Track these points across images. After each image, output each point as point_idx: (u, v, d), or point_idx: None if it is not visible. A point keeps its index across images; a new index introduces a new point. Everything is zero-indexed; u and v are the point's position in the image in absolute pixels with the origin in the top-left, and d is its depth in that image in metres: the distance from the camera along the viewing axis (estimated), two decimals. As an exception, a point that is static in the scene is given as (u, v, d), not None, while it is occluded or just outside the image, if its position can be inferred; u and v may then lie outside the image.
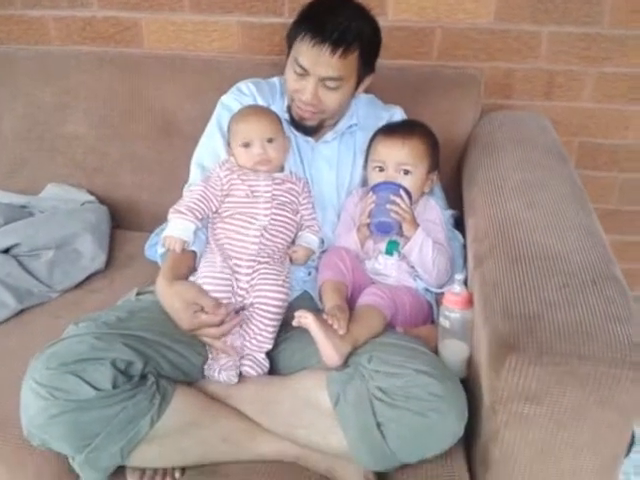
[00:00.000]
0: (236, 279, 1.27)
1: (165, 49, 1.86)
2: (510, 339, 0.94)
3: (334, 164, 1.51)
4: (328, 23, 1.30)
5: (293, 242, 1.39)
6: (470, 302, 1.17)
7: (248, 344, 1.24)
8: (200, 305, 1.19)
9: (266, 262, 1.29)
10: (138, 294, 1.34)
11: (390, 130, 1.43)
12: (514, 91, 1.81)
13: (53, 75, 1.80)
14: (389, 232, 1.35)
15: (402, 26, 1.76)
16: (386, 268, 1.39)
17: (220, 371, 1.18)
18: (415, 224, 1.35)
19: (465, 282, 1.23)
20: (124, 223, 1.80)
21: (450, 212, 1.53)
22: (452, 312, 1.18)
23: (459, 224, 1.52)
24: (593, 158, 1.91)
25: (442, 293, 1.28)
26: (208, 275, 1.24)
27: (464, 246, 1.44)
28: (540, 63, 1.77)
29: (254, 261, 1.28)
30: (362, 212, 1.39)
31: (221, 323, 1.19)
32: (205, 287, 1.22)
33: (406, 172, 1.39)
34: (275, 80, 1.58)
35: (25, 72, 1.82)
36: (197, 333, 1.21)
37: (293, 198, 1.37)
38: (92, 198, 1.74)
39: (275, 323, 1.26)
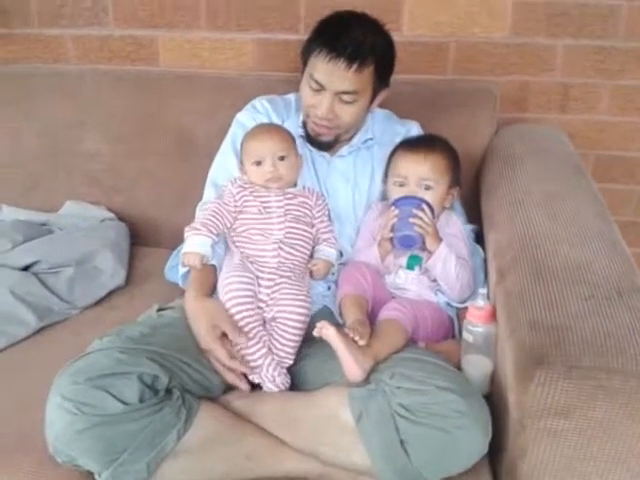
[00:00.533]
0: (258, 290, 1.27)
1: (181, 67, 1.88)
2: (538, 353, 0.93)
3: (350, 179, 1.51)
4: (343, 38, 1.32)
5: (311, 256, 1.39)
6: (493, 316, 1.16)
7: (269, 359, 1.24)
8: (222, 329, 1.20)
9: (287, 277, 1.29)
10: (159, 310, 1.34)
11: (411, 145, 1.43)
12: (530, 104, 1.80)
13: (70, 93, 1.82)
14: (412, 246, 1.34)
15: (417, 41, 1.76)
16: (407, 282, 1.38)
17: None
18: (438, 238, 1.34)
19: (487, 296, 1.22)
20: (141, 239, 1.80)
21: (471, 227, 1.52)
22: (475, 326, 1.17)
23: (479, 239, 1.51)
24: (609, 170, 1.90)
25: (464, 308, 1.28)
26: (231, 281, 1.25)
27: (484, 260, 1.43)
28: (556, 76, 1.77)
29: (275, 274, 1.28)
30: (384, 226, 1.38)
31: (231, 357, 1.20)
32: (228, 295, 1.23)
33: (427, 187, 1.38)
34: (290, 96, 1.59)
35: (43, 90, 1.83)
36: (207, 354, 1.22)
37: (306, 211, 1.38)
38: (111, 215, 1.75)
39: (297, 338, 1.26)
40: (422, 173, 1.38)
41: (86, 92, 1.81)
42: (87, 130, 1.80)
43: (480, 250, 1.46)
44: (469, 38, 1.75)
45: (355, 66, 1.32)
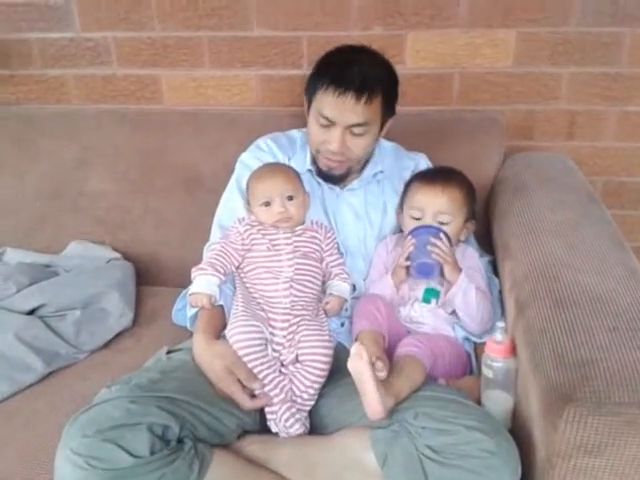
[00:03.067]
0: (271, 333, 1.24)
1: (185, 104, 1.88)
2: (566, 389, 0.90)
3: (362, 214, 1.49)
4: (348, 72, 1.31)
5: (323, 292, 1.37)
6: (513, 351, 1.14)
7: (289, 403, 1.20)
8: (236, 375, 1.17)
9: (301, 316, 1.26)
10: (168, 352, 1.31)
11: (428, 177, 1.42)
12: (536, 132, 1.80)
13: (74, 133, 1.82)
14: (430, 274, 1.32)
15: (421, 73, 1.76)
16: (422, 316, 1.36)
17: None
18: (457, 267, 1.32)
19: (505, 330, 1.19)
20: (147, 279, 1.77)
21: (487, 258, 1.50)
22: (495, 361, 1.14)
23: (494, 271, 1.49)
24: (618, 197, 1.88)
25: (482, 343, 1.25)
26: (237, 331, 1.20)
27: (500, 291, 1.40)
28: (561, 104, 1.77)
29: (289, 314, 1.25)
30: (401, 254, 1.36)
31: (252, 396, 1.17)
32: (236, 346, 1.19)
33: (443, 221, 1.37)
34: (294, 133, 1.59)
35: (46, 131, 1.83)
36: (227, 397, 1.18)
37: (315, 247, 1.36)
38: (117, 255, 1.73)
39: (321, 380, 1.22)
40: (439, 206, 1.37)
41: (90, 131, 1.81)
42: (91, 169, 1.80)
43: (497, 282, 1.43)
44: (473, 69, 1.75)
45: (364, 98, 1.31)
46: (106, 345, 1.51)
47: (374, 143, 1.44)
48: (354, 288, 1.42)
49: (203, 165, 1.75)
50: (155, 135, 1.78)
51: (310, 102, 1.40)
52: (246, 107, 1.86)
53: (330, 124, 1.35)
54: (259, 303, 1.27)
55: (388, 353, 1.25)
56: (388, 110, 1.41)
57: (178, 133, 1.77)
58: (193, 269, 1.30)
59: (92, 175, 1.79)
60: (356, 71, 1.31)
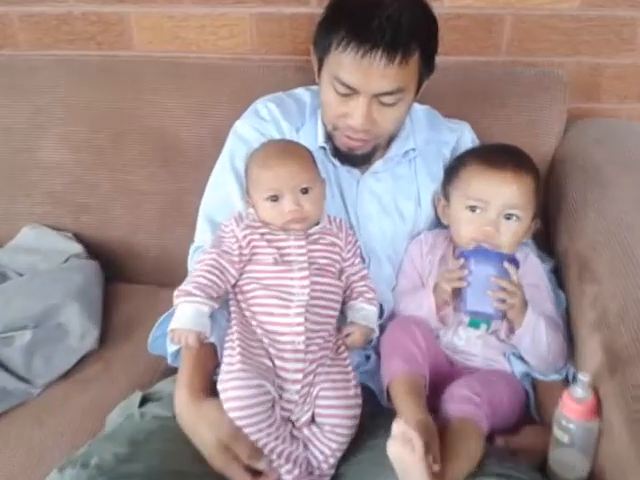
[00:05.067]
0: (279, 387, 0.95)
1: (161, 51, 1.58)
2: None
3: (389, 205, 1.21)
4: (375, 20, 0.99)
5: (341, 312, 1.08)
6: (597, 411, 0.93)
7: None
8: (235, 452, 0.90)
9: (318, 360, 0.98)
10: (143, 401, 1.03)
11: (493, 159, 1.13)
12: (603, 92, 1.52)
13: (21, 89, 1.52)
14: (488, 322, 1.07)
15: (462, 14, 1.45)
16: (469, 344, 1.12)
17: None
18: (525, 306, 1.04)
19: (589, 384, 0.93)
20: (119, 274, 1.51)
21: (549, 265, 1.23)
22: (573, 423, 0.93)
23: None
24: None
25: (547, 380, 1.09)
26: (233, 395, 0.92)
27: (566, 310, 1.15)
28: (636, 57, 1.47)
29: (303, 360, 0.97)
30: (447, 277, 1.09)
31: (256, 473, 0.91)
32: (231, 414, 0.91)
33: (512, 216, 1.10)
34: (302, 92, 1.30)
35: (-15, 85, 1.53)
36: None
37: (336, 256, 1.08)
38: (79, 248, 1.42)
39: (344, 447, 0.97)
40: (509, 199, 1.09)
41: (41, 86, 1.51)
42: (45, 136, 1.50)
43: (563, 298, 1.17)
44: (529, 10, 1.44)
45: (398, 58, 1.00)
46: (66, 375, 1.23)
47: (407, 112, 1.15)
48: (381, 311, 1.14)
49: (185, 131, 1.46)
50: (123, 91, 1.48)
51: (321, 61, 1.09)
52: (238, 55, 1.56)
53: (351, 92, 1.05)
54: (262, 343, 0.98)
55: (430, 397, 1.00)
56: (426, 68, 1.10)
57: (152, 89, 1.48)
58: (176, 291, 1.00)
59: (46, 143, 1.50)
60: (385, 18, 0.99)
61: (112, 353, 1.28)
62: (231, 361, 0.94)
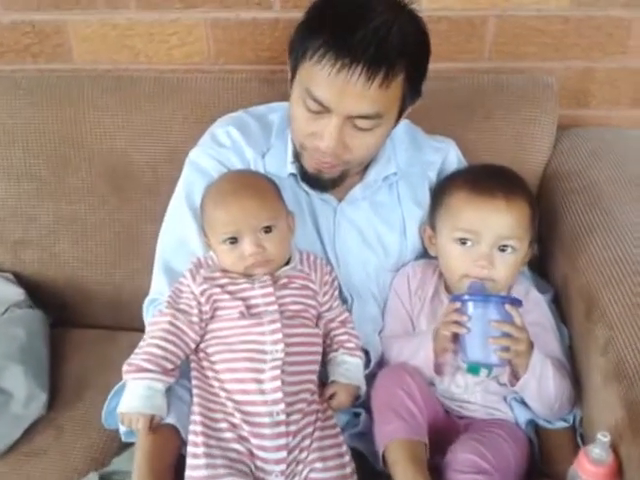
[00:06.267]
0: (261, 470, 0.83)
1: (105, 63, 1.45)
2: None
3: (370, 235, 1.11)
4: (359, 30, 0.88)
5: (322, 364, 0.96)
6: (618, 474, 0.84)
7: None
8: None
9: (304, 428, 0.86)
10: (101, 480, 0.89)
11: (482, 184, 1.02)
12: (594, 98, 1.42)
13: None
14: (489, 367, 0.96)
15: (442, 16, 1.34)
16: (468, 391, 1.02)
17: None
18: (531, 349, 0.94)
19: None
20: (67, 318, 1.38)
21: (548, 297, 1.13)
22: None
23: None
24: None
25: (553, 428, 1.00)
26: None
27: (570, 347, 1.06)
28: (629, 61, 1.38)
29: (286, 434, 0.84)
30: (443, 320, 0.97)
31: None
32: None
33: (504, 248, 0.99)
34: (266, 110, 1.18)
35: None
36: None
37: (310, 301, 0.98)
38: (19, 293, 1.28)
39: None
40: (504, 229, 0.99)
41: None
42: None
43: (566, 333, 1.08)
44: (514, 10, 1.33)
45: (380, 77, 0.89)
46: (12, 448, 1.09)
47: (385, 140, 1.04)
48: (367, 360, 1.02)
49: (135, 153, 1.34)
50: (64, 110, 1.34)
51: (295, 71, 0.97)
52: (193, 66, 1.43)
53: (323, 110, 0.94)
54: (232, 422, 0.85)
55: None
56: (412, 92, 0.99)
57: (97, 106, 1.34)
58: (125, 365, 0.86)
59: (-23, 171, 1.33)
60: (371, 31, 0.88)
61: (63, 417, 1.15)
62: (195, 452, 0.82)
